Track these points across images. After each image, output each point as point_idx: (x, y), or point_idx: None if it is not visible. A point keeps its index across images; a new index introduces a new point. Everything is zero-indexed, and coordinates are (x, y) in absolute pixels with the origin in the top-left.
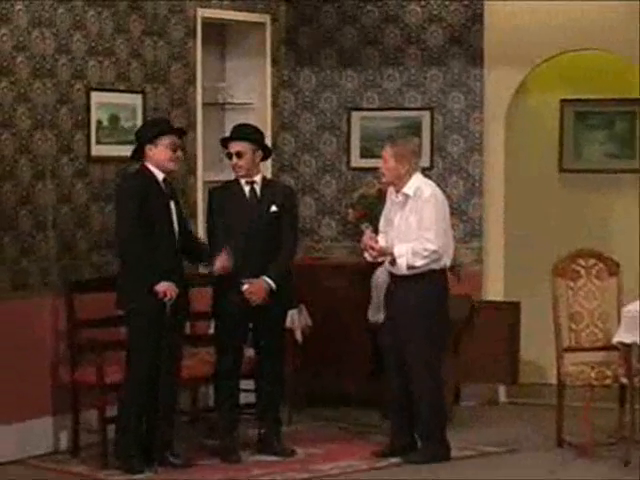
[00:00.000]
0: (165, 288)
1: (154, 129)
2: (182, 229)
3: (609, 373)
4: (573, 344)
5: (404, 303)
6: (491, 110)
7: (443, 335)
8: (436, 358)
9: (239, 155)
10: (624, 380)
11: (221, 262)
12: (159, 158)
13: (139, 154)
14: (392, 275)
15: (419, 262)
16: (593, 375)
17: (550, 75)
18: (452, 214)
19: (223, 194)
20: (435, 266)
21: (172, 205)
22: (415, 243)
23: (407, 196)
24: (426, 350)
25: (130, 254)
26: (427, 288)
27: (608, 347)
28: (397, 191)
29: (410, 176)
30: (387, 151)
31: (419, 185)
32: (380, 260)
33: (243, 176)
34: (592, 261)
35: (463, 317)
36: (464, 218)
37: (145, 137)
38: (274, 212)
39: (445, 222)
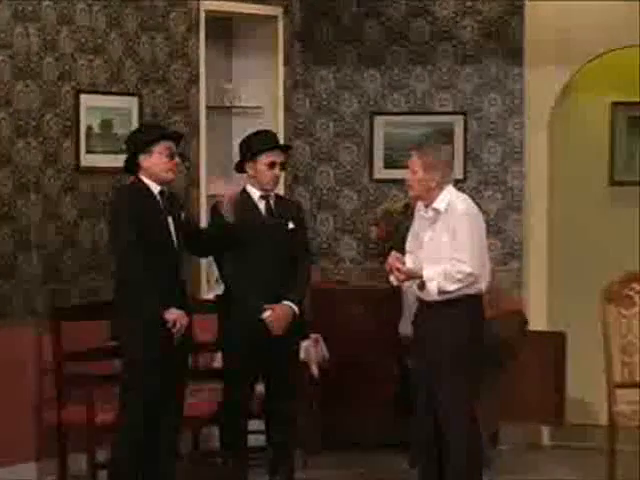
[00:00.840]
0: (176, 316)
1: (146, 136)
2: (184, 239)
3: None
4: (626, 379)
5: (434, 333)
6: (532, 114)
7: (478, 369)
8: (470, 395)
9: (283, 167)
10: None
11: (229, 195)
12: (155, 168)
13: (133, 166)
14: (421, 301)
15: (452, 286)
16: None
17: (599, 75)
18: (488, 232)
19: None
20: (470, 291)
21: (170, 221)
22: (447, 265)
23: (438, 212)
24: (459, 386)
25: (129, 278)
26: (460, 316)
27: None
28: (426, 206)
29: (441, 189)
30: (415, 160)
31: (452, 199)
32: (407, 285)
33: (270, 190)
34: None
35: (511, 337)
36: (502, 237)
37: (137, 145)
38: (291, 230)
39: (481, 241)
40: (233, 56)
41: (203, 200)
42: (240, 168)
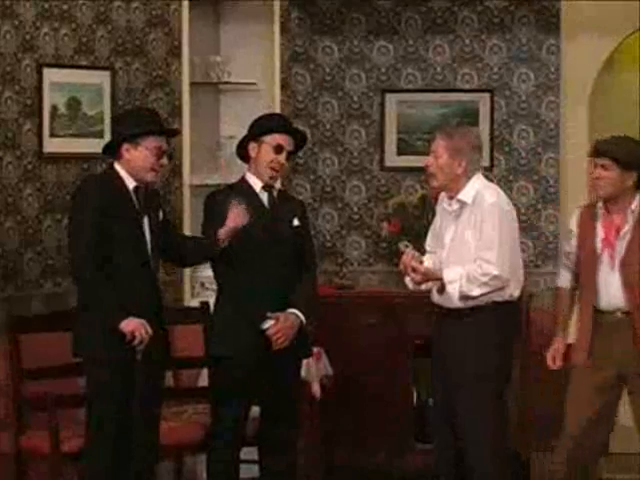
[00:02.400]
0: (133, 327)
1: (139, 125)
2: (163, 246)
3: None
4: None
5: (456, 349)
6: (570, 92)
7: (505, 390)
8: (499, 419)
9: (290, 156)
10: None
11: (235, 216)
12: (137, 164)
13: (113, 150)
14: (440, 309)
15: (476, 291)
16: None
17: None
18: (520, 230)
19: (234, 196)
20: (498, 297)
21: (145, 221)
22: (472, 266)
23: (464, 204)
24: (486, 410)
25: (87, 285)
26: (487, 327)
27: None
28: (450, 197)
29: (468, 178)
30: (439, 144)
31: (480, 190)
32: (425, 288)
33: (272, 180)
34: None
35: None
36: (535, 234)
37: (126, 133)
38: (297, 227)
39: (512, 239)
40: (221, 24)
41: (186, 190)
42: (242, 151)
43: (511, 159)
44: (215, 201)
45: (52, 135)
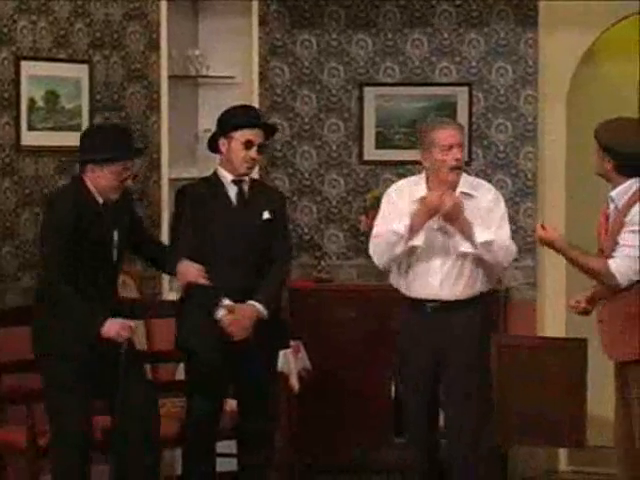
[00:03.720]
0: (115, 331)
1: (104, 149)
2: (133, 245)
3: None
4: None
5: (457, 339)
6: (548, 86)
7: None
8: (487, 412)
9: (261, 149)
10: None
11: (185, 270)
12: (100, 184)
13: (80, 165)
14: (432, 303)
15: (500, 256)
16: None
17: (628, 39)
18: None
19: (201, 194)
20: (486, 287)
21: (114, 234)
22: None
23: (469, 196)
24: (476, 402)
25: (59, 300)
26: (482, 317)
27: None
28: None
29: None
30: (460, 137)
31: (472, 181)
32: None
33: (243, 174)
34: None
35: None
36: (513, 228)
37: (90, 155)
38: (266, 220)
39: None
40: (200, 17)
41: (164, 184)
42: (214, 146)
43: (489, 153)
44: (185, 194)
45: (30, 128)
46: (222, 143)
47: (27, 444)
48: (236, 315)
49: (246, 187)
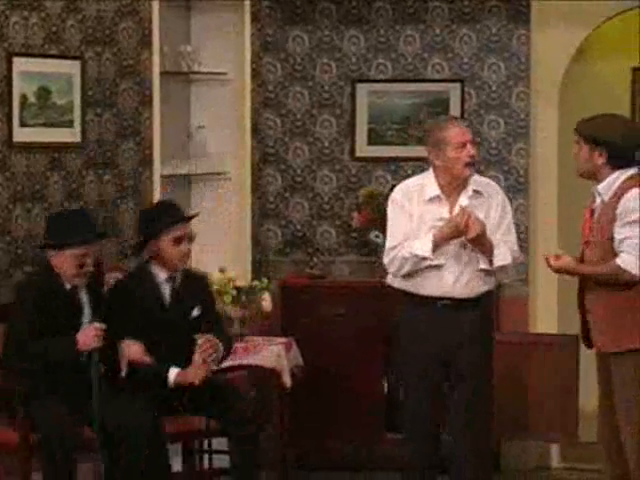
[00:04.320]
0: (91, 337)
1: (62, 235)
2: None
3: None
4: None
5: (467, 333)
6: (540, 83)
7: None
8: (491, 409)
9: (191, 239)
10: None
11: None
12: (61, 269)
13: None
14: (441, 301)
15: (511, 270)
16: None
17: (618, 37)
18: None
19: (135, 290)
20: (489, 287)
21: (85, 314)
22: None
23: (479, 194)
24: (485, 400)
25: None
26: (487, 316)
27: None
28: (450, 189)
29: None
30: (470, 133)
31: (483, 180)
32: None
33: (178, 269)
34: None
35: None
36: None
37: (49, 239)
38: (196, 317)
39: None
40: (192, 13)
41: (156, 180)
42: (140, 249)
43: (481, 149)
44: (120, 293)
45: (22, 124)
46: (152, 245)
47: (19, 443)
48: (209, 338)
49: (178, 282)
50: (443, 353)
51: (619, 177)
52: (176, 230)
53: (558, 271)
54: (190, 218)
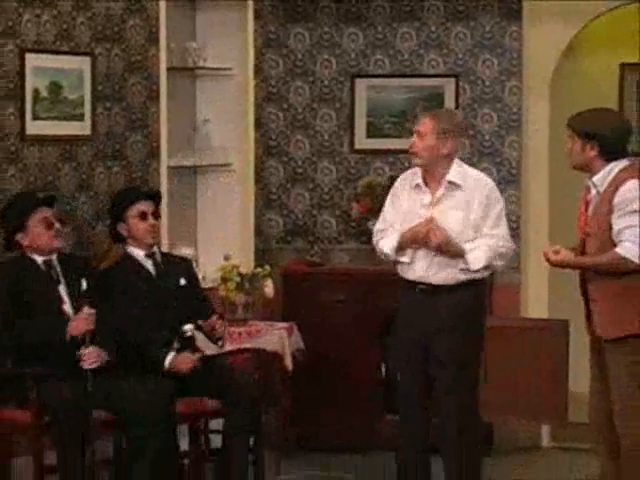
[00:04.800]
0: (83, 323)
1: (17, 211)
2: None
3: None
4: None
5: (443, 324)
6: (532, 78)
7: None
8: (476, 393)
9: (156, 216)
10: None
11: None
12: (37, 243)
13: (12, 245)
14: (421, 286)
15: (498, 262)
16: None
17: (607, 33)
18: None
19: (121, 271)
20: (477, 275)
21: (61, 289)
22: (490, 241)
23: (455, 185)
24: (466, 386)
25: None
26: (472, 302)
27: None
28: (428, 179)
29: (451, 160)
30: (427, 125)
31: (470, 173)
32: (403, 259)
33: (152, 244)
34: None
35: None
36: None
37: (10, 226)
38: (183, 286)
39: None
40: (197, 11)
41: (163, 171)
42: (116, 236)
43: (475, 141)
44: (112, 273)
45: (34, 118)
46: (122, 228)
47: (32, 423)
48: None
49: (159, 259)
50: (423, 338)
51: (613, 169)
52: (139, 206)
53: (558, 265)
54: (149, 196)
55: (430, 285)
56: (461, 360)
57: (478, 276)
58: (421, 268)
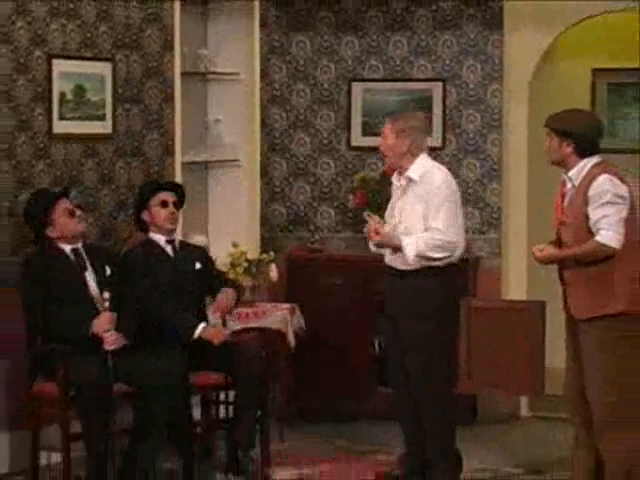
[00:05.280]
0: (105, 325)
1: (39, 207)
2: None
3: None
4: None
5: (407, 306)
6: (512, 81)
7: (452, 342)
8: (446, 374)
9: (176, 206)
10: None
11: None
12: (63, 233)
13: (42, 240)
14: (392, 273)
15: (432, 253)
16: None
17: (581, 41)
18: (467, 201)
19: (143, 254)
20: (439, 263)
21: (88, 275)
22: (426, 234)
23: (411, 180)
24: (433, 367)
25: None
26: (433, 287)
27: None
28: (399, 174)
29: (414, 156)
30: (387, 127)
31: (429, 169)
32: (384, 251)
33: (171, 230)
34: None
35: None
36: (480, 205)
37: (37, 222)
38: (199, 270)
39: (457, 210)
40: (208, 21)
41: (178, 167)
42: (140, 223)
43: (460, 140)
44: (133, 256)
45: (60, 118)
46: (145, 215)
47: (59, 396)
48: (220, 298)
49: (177, 245)
50: (393, 320)
51: (586, 164)
52: (161, 195)
53: (544, 261)
54: (171, 187)
55: (396, 270)
56: (423, 344)
57: (438, 264)
58: (389, 253)
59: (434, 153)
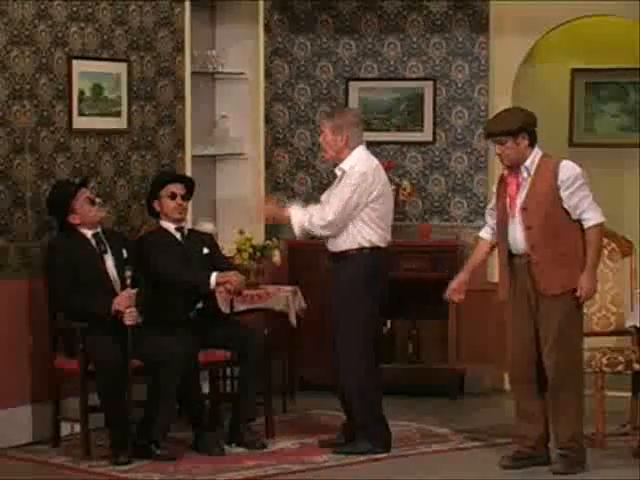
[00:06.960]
0: (125, 302)
1: (62, 196)
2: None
3: (622, 359)
4: (584, 329)
5: (335, 285)
6: (497, 80)
7: (373, 322)
8: (363, 348)
9: (185, 198)
10: (637, 367)
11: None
12: (85, 221)
13: (65, 225)
14: (329, 253)
15: (314, 229)
16: (604, 361)
17: (560, 43)
18: (456, 191)
19: (155, 239)
20: (362, 245)
21: (107, 259)
22: (315, 208)
23: (344, 172)
24: (349, 344)
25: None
26: (356, 268)
27: (621, 332)
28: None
29: (350, 150)
30: (323, 123)
31: (357, 161)
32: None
33: (179, 220)
34: (604, 241)
35: None
36: (468, 195)
37: (61, 211)
38: (206, 254)
39: (359, 204)
40: (216, 24)
41: (188, 160)
42: (152, 211)
43: (450, 134)
44: (148, 240)
45: (80, 114)
46: (156, 204)
47: (80, 370)
48: (228, 275)
49: (186, 232)
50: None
51: (536, 154)
52: (170, 187)
53: (595, 288)
54: (180, 179)
55: (331, 252)
56: (339, 320)
57: (367, 245)
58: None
59: (425, 147)
